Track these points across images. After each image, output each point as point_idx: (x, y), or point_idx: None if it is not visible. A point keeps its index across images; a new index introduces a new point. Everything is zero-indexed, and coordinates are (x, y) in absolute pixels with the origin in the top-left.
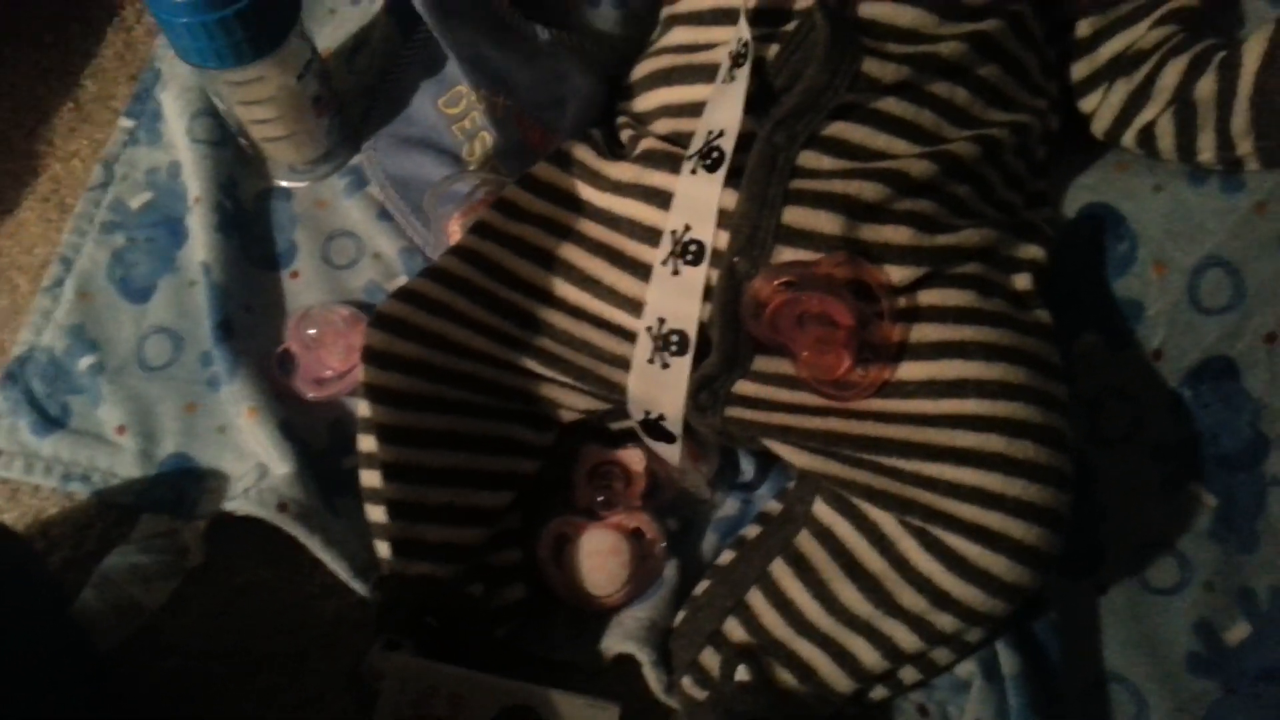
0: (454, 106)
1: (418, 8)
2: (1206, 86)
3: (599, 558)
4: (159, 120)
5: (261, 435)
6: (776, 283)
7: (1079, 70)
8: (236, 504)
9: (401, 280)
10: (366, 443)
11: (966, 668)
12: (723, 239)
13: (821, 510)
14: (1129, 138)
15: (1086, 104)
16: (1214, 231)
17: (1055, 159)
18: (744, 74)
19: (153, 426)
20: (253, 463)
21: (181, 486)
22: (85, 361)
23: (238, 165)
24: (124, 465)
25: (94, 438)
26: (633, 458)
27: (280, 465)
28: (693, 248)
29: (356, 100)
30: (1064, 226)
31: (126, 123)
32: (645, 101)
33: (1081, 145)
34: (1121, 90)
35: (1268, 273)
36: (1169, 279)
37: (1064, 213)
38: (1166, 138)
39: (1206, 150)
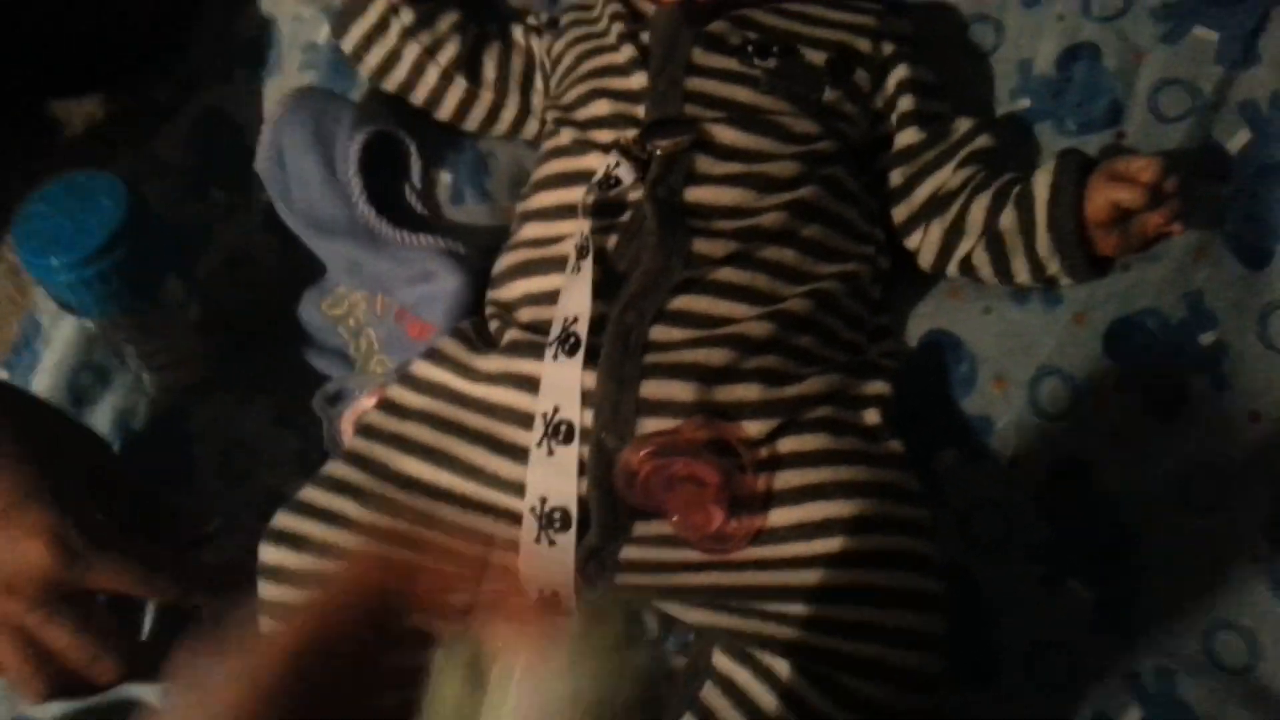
0: (337, 308)
1: (293, 228)
2: (1009, 219)
3: None
4: (32, 371)
5: None
6: (644, 452)
7: (898, 214)
8: None
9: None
10: None
11: None
12: (589, 417)
13: (721, 661)
14: (952, 268)
15: (910, 243)
16: (1043, 344)
17: (893, 293)
18: (588, 265)
19: None
20: None
21: None
22: None
23: (131, 394)
24: None
25: None
26: None
27: None
28: (563, 428)
29: (246, 312)
30: (909, 355)
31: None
32: (509, 291)
33: (916, 277)
34: (937, 229)
35: (1098, 375)
36: (1010, 392)
37: (907, 341)
38: (984, 266)
39: (1021, 273)
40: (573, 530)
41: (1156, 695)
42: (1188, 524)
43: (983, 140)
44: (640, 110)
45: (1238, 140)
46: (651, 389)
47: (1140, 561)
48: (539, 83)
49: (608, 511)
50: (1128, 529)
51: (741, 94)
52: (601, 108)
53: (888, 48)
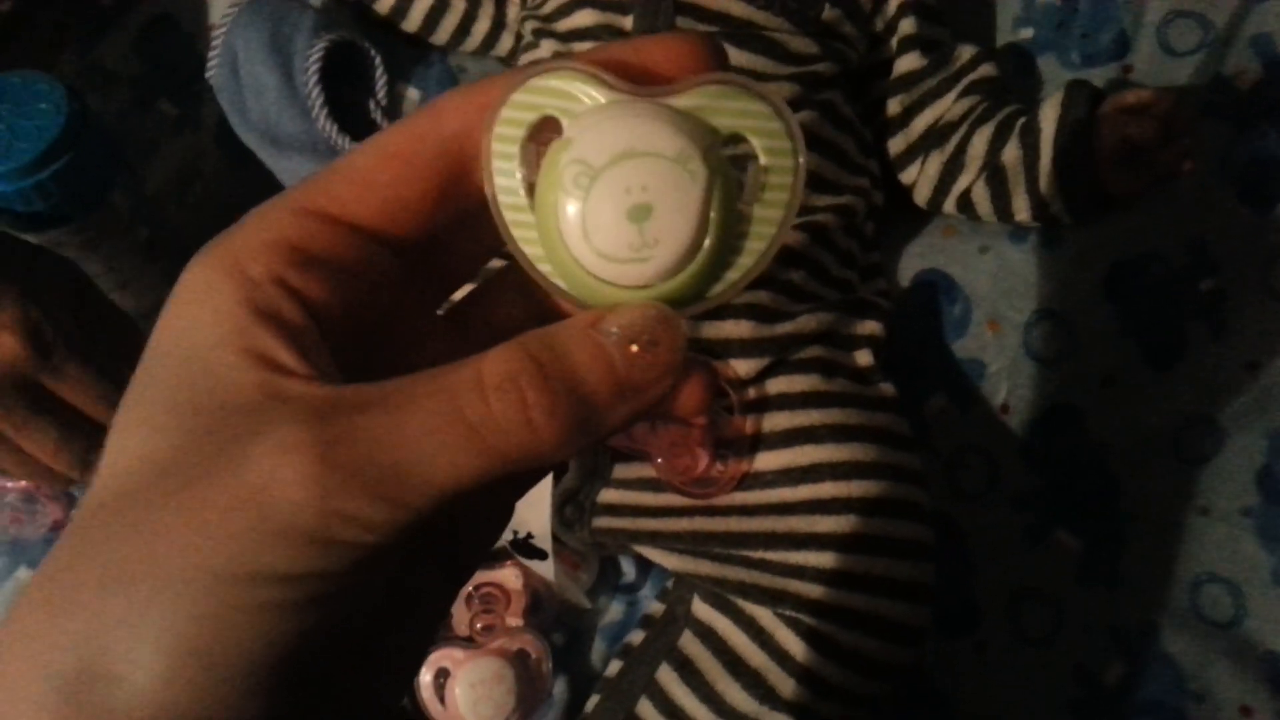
0: None
1: (247, 143)
2: (1012, 153)
3: (483, 688)
4: None
5: None
6: None
7: (895, 146)
8: None
9: None
10: None
11: None
12: None
13: (700, 608)
14: (949, 205)
15: (906, 176)
16: (1040, 286)
17: (885, 230)
18: None
19: None
20: None
21: None
22: None
23: None
24: None
25: None
26: (508, 576)
27: None
28: None
29: (195, 235)
30: (900, 295)
31: None
32: None
33: (908, 214)
34: (936, 161)
35: (1095, 320)
36: (1004, 336)
37: (899, 281)
38: (983, 203)
39: (1022, 211)
40: (550, 470)
41: (1141, 648)
42: (1178, 474)
43: (985, 69)
44: (627, 22)
45: (1248, 77)
46: None
47: (1129, 512)
48: None
49: (586, 453)
50: (1117, 478)
51: (736, 8)
52: (585, 18)
53: None
